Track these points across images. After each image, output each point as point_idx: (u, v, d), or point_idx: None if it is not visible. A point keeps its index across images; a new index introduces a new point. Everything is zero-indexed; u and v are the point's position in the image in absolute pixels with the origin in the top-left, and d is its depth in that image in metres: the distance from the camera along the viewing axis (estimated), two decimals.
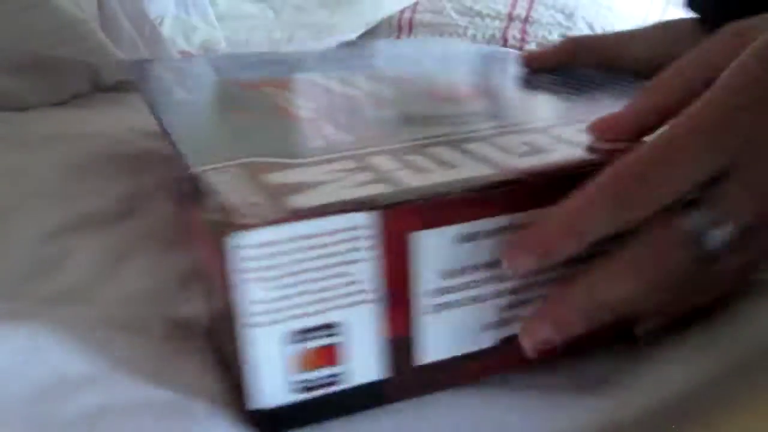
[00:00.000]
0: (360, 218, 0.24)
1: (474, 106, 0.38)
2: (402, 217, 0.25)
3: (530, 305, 0.28)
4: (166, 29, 0.98)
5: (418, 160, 0.28)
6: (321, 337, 0.25)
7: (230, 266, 0.23)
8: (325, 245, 0.24)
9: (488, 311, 0.27)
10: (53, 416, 0.25)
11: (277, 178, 0.27)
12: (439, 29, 0.97)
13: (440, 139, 0.31)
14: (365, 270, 0.25)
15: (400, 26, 1.00)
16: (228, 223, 0.23)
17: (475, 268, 0.26)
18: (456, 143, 0.30)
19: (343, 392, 0.26)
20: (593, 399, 0.27)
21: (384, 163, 0.28)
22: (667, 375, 0.27)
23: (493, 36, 0.93)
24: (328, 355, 0.25)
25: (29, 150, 0.63)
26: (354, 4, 1.02)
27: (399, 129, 0.34)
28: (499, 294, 0.27)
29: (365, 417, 0.27)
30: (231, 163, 0.28)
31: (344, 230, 0.24)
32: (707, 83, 0.26)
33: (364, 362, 0.26)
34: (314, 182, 0.26)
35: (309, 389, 0.26)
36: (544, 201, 0.26)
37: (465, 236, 0.26)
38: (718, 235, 0.25)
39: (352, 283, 0.25)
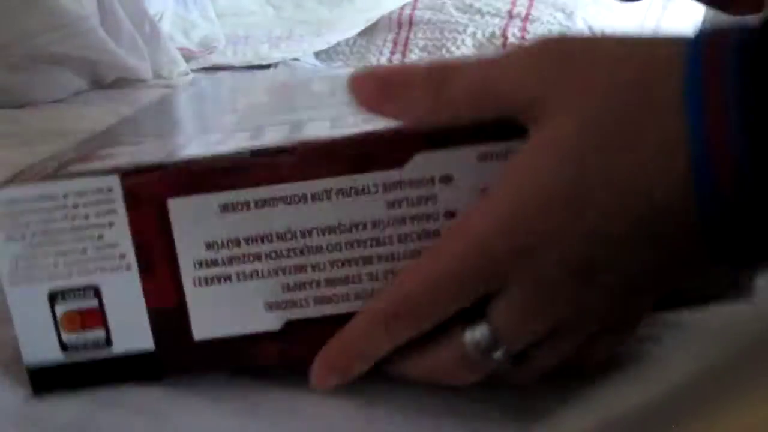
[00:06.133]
0: (101, 181, 0.25)
1: None
2: (152, 183, 0.26)
3: (320, 286, 0.27)
4: (166, 26, 0.98)
5: (243, 135, 0.29)
6: (83, 298, 0.26)
7: None
8: (76, 206, 0.26)
9: (269, 289, 0.27)
10: None
11: (106, 152, 0.30)
12: (438, 26, 0.97)
13: (304, 119, 0.31)
14: (121, 234, 0.26)
15: (399, 23, 1.00)
16: None
17: (247, 241, 0.26)
18: (306, 122, 0.30)
19: (114, 359, 0.27)
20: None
21: (208, 138, 0.30)
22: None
23: (492, 34, 0.92)
24: (92, 318, 0.26)
25: (29, 146, 0.63)
26: (354, 0, 1.02)
27: (291, 114, 0.35)
28: (279, 271, 0.27)
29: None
30: (98, 144, 0.32)
31: (93, 192, 0.25)
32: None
33: (130, 329, 0.27)
34: (124, 154, 0.29)
35: (77, 350, 0.27)
36: (309, 173, 0.26)
37: (229, 206, 0.26)
38: (500, 351, 0.25)
39: (110, 246, 0.26)
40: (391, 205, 0.26)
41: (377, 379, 0.28)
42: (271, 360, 0.27)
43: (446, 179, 0.26)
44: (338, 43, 1.01)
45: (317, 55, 1.00)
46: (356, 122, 0.28)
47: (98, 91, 0.85)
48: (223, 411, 0.27)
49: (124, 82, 0.87)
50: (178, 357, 0.27)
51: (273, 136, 0.28)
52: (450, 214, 0.26)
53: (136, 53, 0.87)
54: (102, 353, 0.27)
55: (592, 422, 0.26)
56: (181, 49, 0.96)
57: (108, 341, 0.27)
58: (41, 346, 0.27)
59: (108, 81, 0.87)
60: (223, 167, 0.26)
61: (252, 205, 0.26)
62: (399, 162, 0.26)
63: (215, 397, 0.28)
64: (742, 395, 0.23)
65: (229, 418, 0.27)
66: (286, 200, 0.26)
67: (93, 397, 0.27)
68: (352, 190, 0.26)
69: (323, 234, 0.26)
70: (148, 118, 0.41)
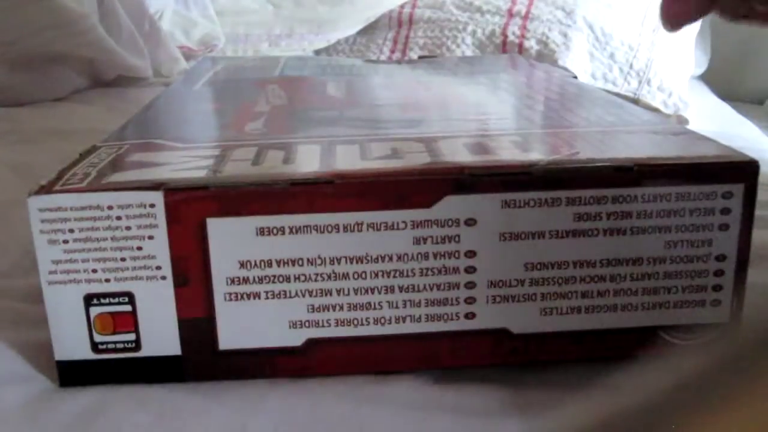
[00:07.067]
0: (146, 197, 0.26)
1: (414, 115, 0.38)
2: (194, 202, 0.26)
3: (342, 310, 0.28)
4: (166, 24, 0.98)
5: (277, 154, 0.30)
6: (117, 303, 0.28)
7: (32, 226, 0.27)
8: (119, 218, 0.27)
9: (294, 309, 0.28)
10: None
11: (142, 157, 0.30)
12: (438, 24, 0.97)
13: (331, 138, 0.32)
14: (160, 247, 0.27)
15: (399, 21, 1.00)
16: (36, 189, 0.27)
17: (278, 263, 0.27)
18: (335, 144, 0.31)
19: (141, 360, 0.28)
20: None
21: (242, 153, 0.30)
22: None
23: (492, 32, 0.92)
24: (124, 322, 0.28)
25: (30, 145, 0.63)
26: None
27: (316, 127, 0.35)
28: (306, 293, 0.28)
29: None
30: (132, 141, 0.33)
31: (137, 206, 0.26)
32: None
33: (159, 335, 0.28)
34: (162, 163, 0.29)
35: (106, 351, 0.28)
36: (343, 206, 0.27)
37: (265, 230, 0.27)
38: None
39: (147, 258, 0.27)
40: (417, 241, 0.28)
41: (376, 374, 0.29)
42: (289, 372, 0.29)
43: (470, 222, 0.27)
44: (338, 42, 1.01)
45: (317, 53, 1.01)
46: (383, 150, 0.30)
47: (98, 90, 0.85)
48: (224, 410, 0.27)
49: (125, 80, 0.87)
50: (202, 364, 0.28)
51: (306, 159, 0.29)
52: (471, 254, 0.28)
53: (136, 51, 0.87)
54: (129, 354, 0.28)
55: (592, 418, 0.26)
56: (181, 48, 0.96)
57: (137, 344, 0.28)
58: (73, 343, 0.28)
59: (108, 79, 0.87)
60: (262, 193, 0.27)
61: (287, 230, 0.27)
62: (428, 202, 0.27)
63: (216, 395, 0.28)
64: (742, 394, 0.23)
65: (230, 417, 0.27)
66: (319, 229, 0.27)
67: (104, 392, 0.28)
68: (383, 225, 0.27)
69: (350, 262, 0.27)
70: (171, 111, 0.41)
